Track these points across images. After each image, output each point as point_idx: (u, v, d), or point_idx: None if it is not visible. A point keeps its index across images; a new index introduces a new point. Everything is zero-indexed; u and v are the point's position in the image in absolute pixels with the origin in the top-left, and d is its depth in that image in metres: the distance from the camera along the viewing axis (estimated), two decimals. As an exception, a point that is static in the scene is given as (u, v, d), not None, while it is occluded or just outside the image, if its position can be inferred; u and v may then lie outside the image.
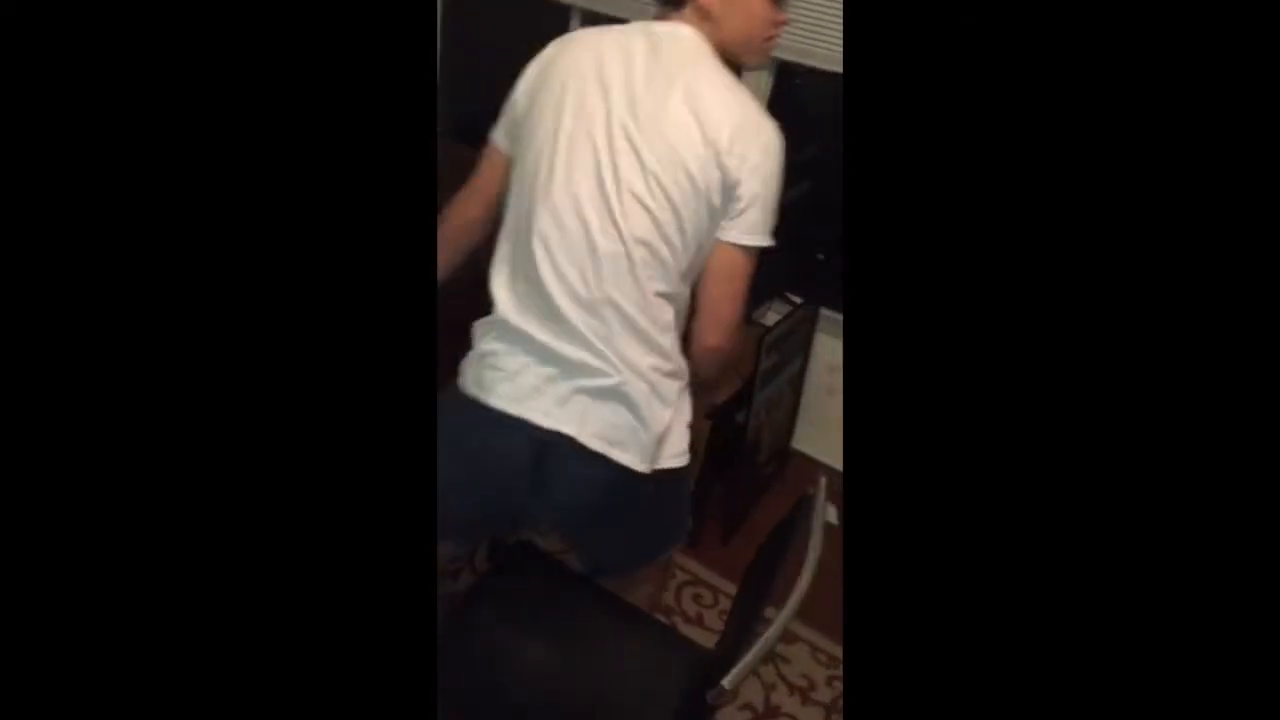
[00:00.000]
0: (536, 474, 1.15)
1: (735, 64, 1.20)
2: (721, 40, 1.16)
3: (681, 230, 1.09)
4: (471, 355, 1.20)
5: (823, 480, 1.26)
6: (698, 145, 1.07)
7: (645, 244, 1.08)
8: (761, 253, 1.16)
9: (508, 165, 1.20)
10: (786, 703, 1.79)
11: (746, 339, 1.24)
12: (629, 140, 1.08)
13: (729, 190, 1.09)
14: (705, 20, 1.15)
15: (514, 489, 1.18)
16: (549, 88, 1.15)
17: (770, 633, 0.96)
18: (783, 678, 1.84)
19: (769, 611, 1.03)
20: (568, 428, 1.11)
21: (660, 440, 1.16)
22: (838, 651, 1.90)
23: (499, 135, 1.24)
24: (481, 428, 1.15)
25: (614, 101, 1.09)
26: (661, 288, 1.11)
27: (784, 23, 1.21)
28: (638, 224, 1.08)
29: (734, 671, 0.93)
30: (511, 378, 1.13)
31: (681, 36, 1.15)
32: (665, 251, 1.09)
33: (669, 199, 1.08)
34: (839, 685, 1.84)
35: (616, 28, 1.17)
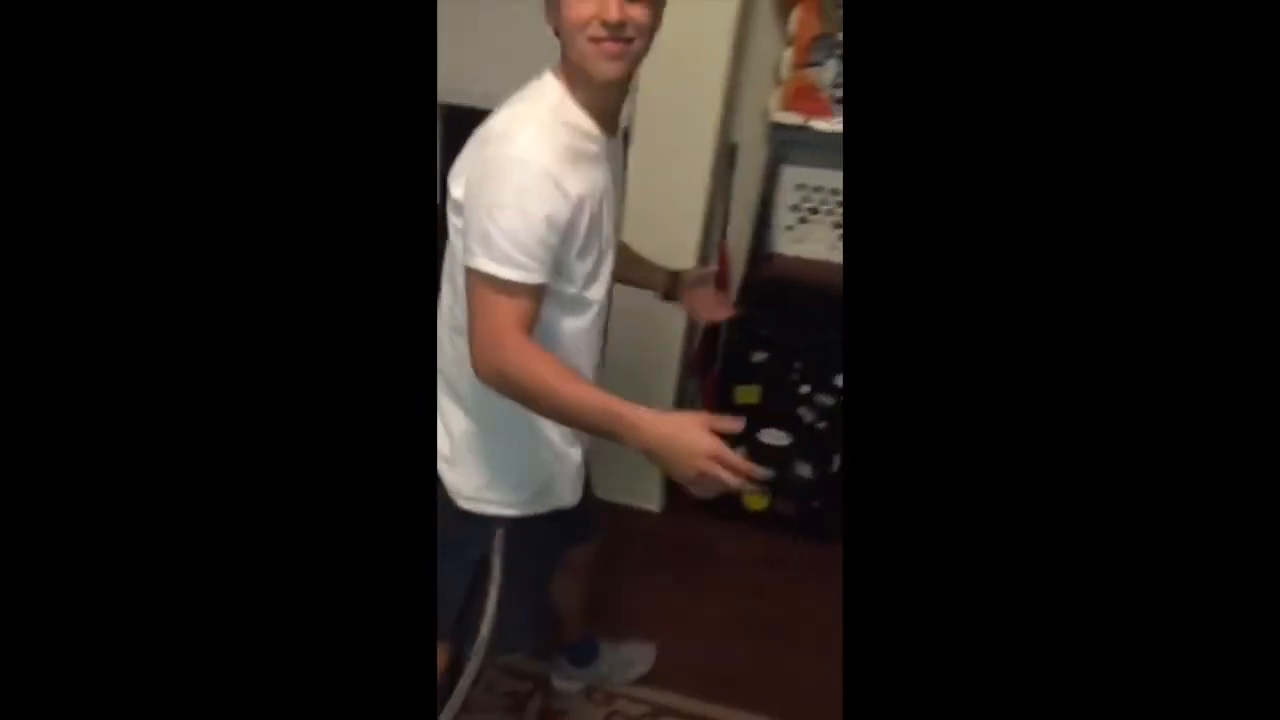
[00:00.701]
0: None
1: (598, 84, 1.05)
2: (570, 61, 1.04)
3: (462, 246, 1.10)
4: None
5: (498, 531, 1.25)
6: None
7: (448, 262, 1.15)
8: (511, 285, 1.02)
9: None
10: (572, 757, 1.73)
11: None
12: None
13: (457, 207, 1.06)
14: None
15: None
16: None
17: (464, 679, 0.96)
18: (563, 734, 1.77)
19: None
20: None
21: (445, 458, 1.19)
22: (607, 685, 1.89)
23: None
24: None
25: None
26: (448, 300, 1.15)
27: (593, 20, 0.98)
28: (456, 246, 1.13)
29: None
30: None
31: (540, 80, 1.09)
32: (449, 268, 1.13)
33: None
34: (618, 719, 1.83)
35: None
